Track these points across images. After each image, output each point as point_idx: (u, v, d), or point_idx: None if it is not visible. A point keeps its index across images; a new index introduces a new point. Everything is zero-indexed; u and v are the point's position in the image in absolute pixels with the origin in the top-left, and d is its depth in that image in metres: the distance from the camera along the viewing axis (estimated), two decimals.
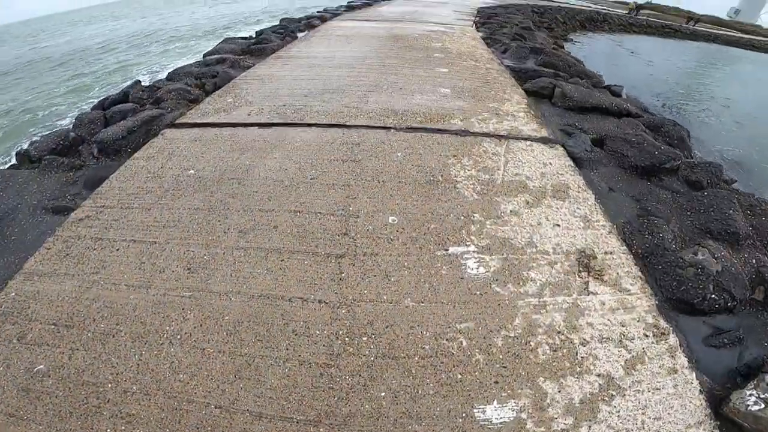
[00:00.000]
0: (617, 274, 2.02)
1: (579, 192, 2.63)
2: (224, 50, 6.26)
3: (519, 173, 2.69)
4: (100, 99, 5.73)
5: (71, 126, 4.20)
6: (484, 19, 9.96)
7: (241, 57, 5.55)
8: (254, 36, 9.08)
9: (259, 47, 5.97)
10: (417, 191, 2.43)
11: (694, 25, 38.73)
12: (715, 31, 38.60)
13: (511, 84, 4.40)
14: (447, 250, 2.08)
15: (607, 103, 4.05)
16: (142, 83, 5.87)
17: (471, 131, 3.14)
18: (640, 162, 3.15)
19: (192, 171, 2.67)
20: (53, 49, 21.72)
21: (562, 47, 13.76)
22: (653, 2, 51.98)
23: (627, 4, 47.56)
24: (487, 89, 4.14)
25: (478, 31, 8.20)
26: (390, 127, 3.08)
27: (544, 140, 3.20)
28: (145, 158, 2.90)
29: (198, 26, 25.00)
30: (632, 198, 2.90)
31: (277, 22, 10.56)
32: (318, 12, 10.74)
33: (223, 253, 2.00)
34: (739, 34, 41.28)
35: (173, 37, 20.08)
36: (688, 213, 2.83)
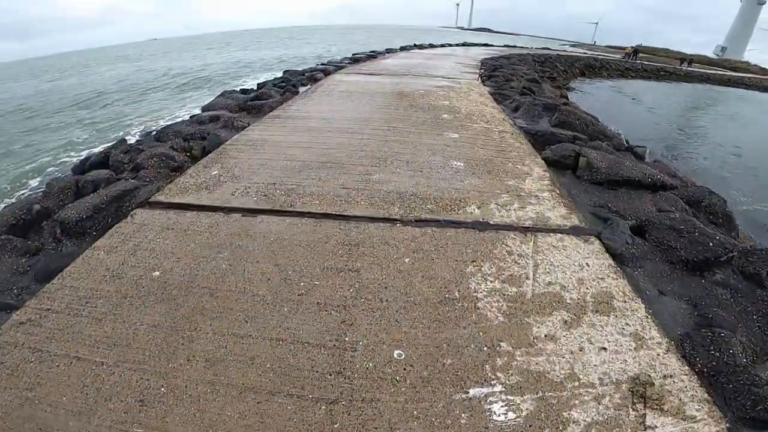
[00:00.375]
0: (680, 400, 1.64)
1: (626, 301, 2.15)
2: (220, 105, 5.97)
3: (552, 281, 2.22)
4: (81, 158, 5.41)
5: (41, 194, 3.81)
6: (490, 72, 9.81)
7: (237, 115, 5.23)
8: (255, 88, 8.94)
9: (257, 104, 5.67)
10: (429, 314, 1.94)
11: (688, 67, 39.55)
12: (707, 71, 39.74)
13: (528, 152, 3.99)
14: (467, 392, 1.62)
15: (639, 174, 3.61)
16: (129, 141, 5.57)
17: (491, 223, 2.67)
18: (692, 256, 2.68)
19: (157, 272, 2.21)
20: (71, 90, 22.20)
21: (567, 98, 13.69)
22: (643, 45, 54.06)
23: (623, 48, 49.23)
24: (504, 159, 3.72)
25: (484, 85, 7.99)
26: (396, 220, 2.61)
27: (576, 231, 2.74)
28: (106, 249, 2.44)
29: (212, 73, 25.62)
30: (687, 302, 2.44)
31: (285, 73, 10.49)
32: (321, 64, 10.68)
33: (185, 386, 1.58)
34: (730, 73, 42.68)
35: (186, 85, 20.29)
36: (755, 318, 2.39)
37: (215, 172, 3.38)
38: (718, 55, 79.31)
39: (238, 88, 9.92)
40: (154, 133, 5.08)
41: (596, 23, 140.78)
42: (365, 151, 3.68)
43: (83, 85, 23.29)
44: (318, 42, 56.35)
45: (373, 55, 12.85)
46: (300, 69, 10.39)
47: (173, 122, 5.56)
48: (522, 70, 11.59)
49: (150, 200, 3.06)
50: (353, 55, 13.32)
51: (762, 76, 46.34)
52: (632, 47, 41.12)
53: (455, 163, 3.53)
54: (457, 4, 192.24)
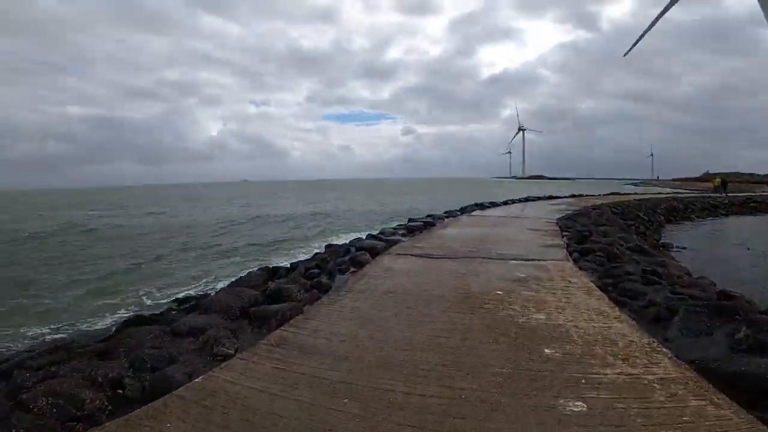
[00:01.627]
0: None
1: None
2: (219, 306, 4.56)
3: None
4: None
5: None
6: (578, 243, 8.00)
7: (227, 331, 3.77)
8: (289, 266, 7.92)
9: (265, 311, 4.28)
10: None
11: None
12: None
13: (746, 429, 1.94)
14: None
15: None
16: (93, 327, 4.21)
17: None
18: None
19: None
20: (149, 233, 24.61)
21: (675, 259, 11.43)
22: (709, 172, 53.25)
23: (709, 179, 47.54)
24: None
25: (579, 267, 6.11)
26: None
27: None
28: None
29: (271, 229, 26.78)
30: None
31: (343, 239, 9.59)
32: (371, 235, 9.65)
33: None
34: None
35: (236, 250, 20.42)
36: None
37: None
38: None
39: (273, 264, 9.07)
40: (102, 344, 3.75)
41: (651, 155, 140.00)
42: None
43: (162, 229, 26.76)
44: (382, 195, 61.73)
45: (431, 223, 11.61)
46: (346, 242, 9.36)
47: (136, 332, 4.09)
48: (615, 233, 9.79)
49: None
50: (409, 221, 12.38)
51: None
52: (719, 179, 38.94)
53: None
54: (509, 152, 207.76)
